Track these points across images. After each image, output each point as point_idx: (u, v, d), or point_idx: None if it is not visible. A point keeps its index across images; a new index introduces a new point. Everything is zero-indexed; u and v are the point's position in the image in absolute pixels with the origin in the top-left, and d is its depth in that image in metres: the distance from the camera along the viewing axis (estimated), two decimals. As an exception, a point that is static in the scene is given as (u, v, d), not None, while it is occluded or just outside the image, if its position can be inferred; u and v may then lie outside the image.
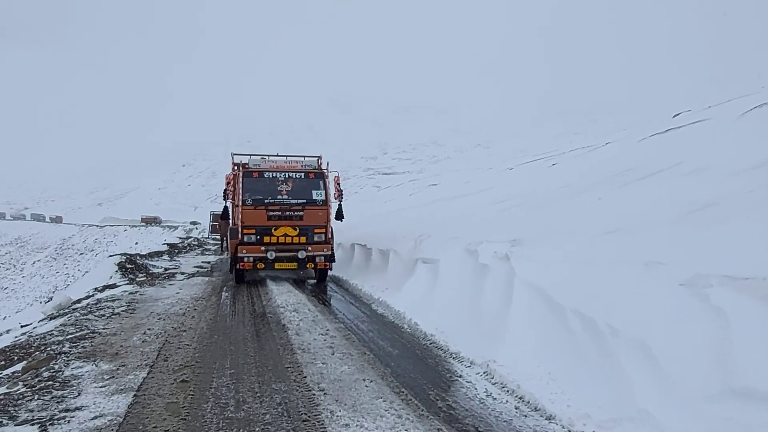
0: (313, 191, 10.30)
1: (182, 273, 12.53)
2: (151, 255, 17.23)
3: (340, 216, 10.55)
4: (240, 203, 9.88)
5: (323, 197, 10.27)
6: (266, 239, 9.83)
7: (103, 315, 7.22)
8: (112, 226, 77.97)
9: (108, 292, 9.99)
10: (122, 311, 7.47)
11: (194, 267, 14.02)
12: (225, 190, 9.93)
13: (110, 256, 13.76)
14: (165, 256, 17.06)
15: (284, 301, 7.90)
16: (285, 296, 8.44)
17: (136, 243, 48.81)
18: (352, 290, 9.42)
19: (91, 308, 7.87)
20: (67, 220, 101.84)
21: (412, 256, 9.72)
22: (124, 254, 13.96)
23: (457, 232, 10.46)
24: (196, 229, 55.49)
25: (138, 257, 14.20)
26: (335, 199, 10.41)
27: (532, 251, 7.11)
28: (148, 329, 6.16)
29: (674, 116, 28.08)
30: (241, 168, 10.22)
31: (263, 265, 9.86)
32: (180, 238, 27.58)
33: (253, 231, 9.84)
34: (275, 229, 9.84)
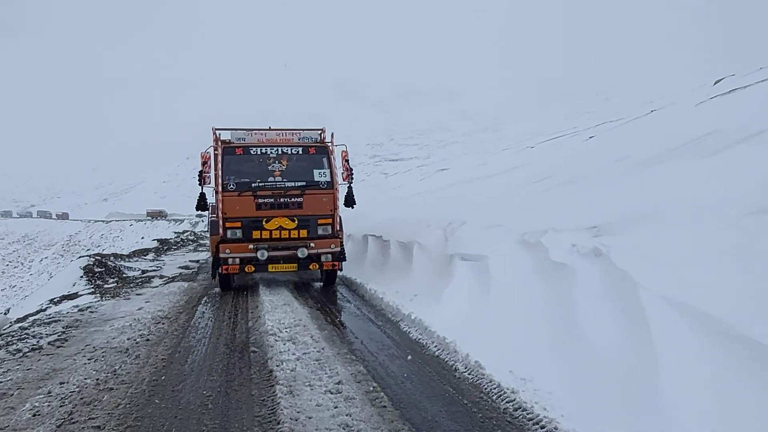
0: (314, 171, 8.00)
1: (161, 277, 10.34)
2: (135, 254, 15.11)
3: (350, 202, 8.25)
4: (220, 189, 7.61)
5: (328, 178, 7.95)
6: (256, 234, 7.57)
7: (19, 350, 5.03)
8: (118, 221, 77.08)
9: (58, 307, 7.85)
10: (49, 343, 5.27)
11: (179, 268, 11.83)
12: (200, 172, 7.64)
13: (79, 257, 11.62)
14: (150, 255, 14.91)
15: (278, 322, 5.64)
16: (280, 312, 6.18)
17: (142, 237, 47.45)
18: (370, 299, 7.14)
19: (12, 337, 5.68)
20: (74, 216, 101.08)
21: (444, 250, 7.49)
22: (96, 255, 11.81)
23: (497, 218, 8.16)
24: (203, 221, 53.74)
25: (112, 258, 12.02)
26: (343, 180, 8.10)
27: (639, 243, 4.79)
28: (60, 383, 3.93)
29: (716, 83, 25.28)
30: (220, 144, 7.92)
31: (252, 268, 7.62)
32: (176, 232, 25.51)
33: (239, 224, 7.59)
34: (267, 221, 7.57)
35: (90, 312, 6.84)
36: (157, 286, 9.04)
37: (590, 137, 18.82)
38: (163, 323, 5.90)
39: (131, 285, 9.37)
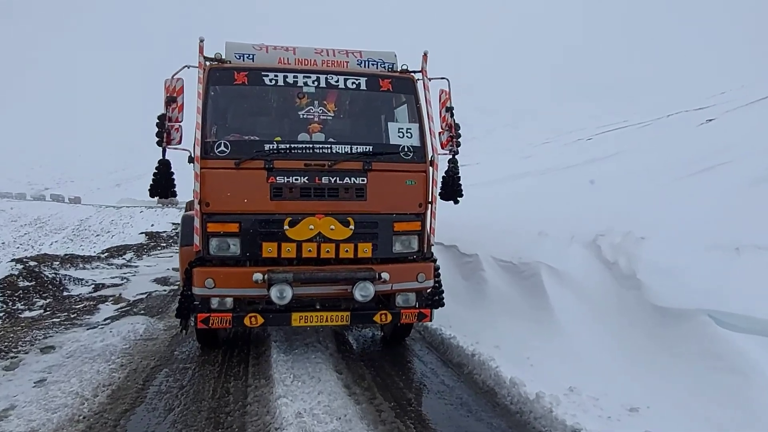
0: (390, 126, 4.04)
1: (117, 300, 6.47)
2: (110, 252, 11.37)
3: (454, 191, 4.14)
4: (199, 153, 3.67)
5: (417, 141, 3.93)
6: (268, 249, 3.60)
7: None
8: (128, 207, 75.47)
9: None
10: None
11: (152, 282, 7.94)
12: (161, 117, 3.70)
13: (10, 260, 7.85)
14: (127, 255, 11.10)
15: None
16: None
17: (152, 225, 45.66)
18: (526, 412, 3.12)
19: None
20: (86, 200, 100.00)
21: (632, 291, 3.96)
22: (33, 259, 8.02)
23: (710, 229, 4.24)
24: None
25: (57, 264, 8.18)
26: (443, 146, 4.07)
27: None
28: None
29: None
30: (206, 65, 3.94)
31: (260, 320, 3.67)
32: (174, 224, 21.86)
33: (235, 227, 3.62)
34: (293, 223, 3.60)
35: None
36: (95, 327, 5.17)
37: (708, 120, 14.62)
38: None
39: (58, 318, 5.54)
